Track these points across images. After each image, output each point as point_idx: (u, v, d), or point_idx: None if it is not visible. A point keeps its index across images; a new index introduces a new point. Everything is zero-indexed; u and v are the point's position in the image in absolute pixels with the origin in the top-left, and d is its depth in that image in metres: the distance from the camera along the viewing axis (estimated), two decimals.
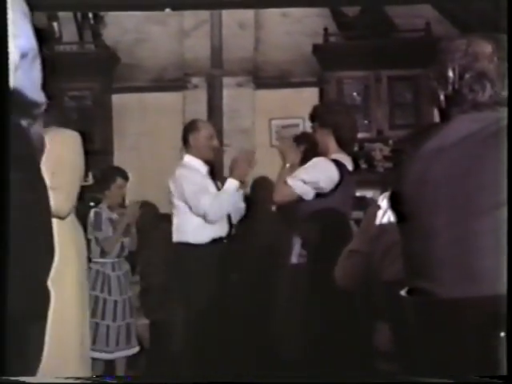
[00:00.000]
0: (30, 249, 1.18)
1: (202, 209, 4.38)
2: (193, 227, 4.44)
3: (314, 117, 3.93)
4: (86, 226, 4.67)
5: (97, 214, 4.87)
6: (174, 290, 4.64)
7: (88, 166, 3.28)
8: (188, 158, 4.63)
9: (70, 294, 2.73)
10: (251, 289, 4.79)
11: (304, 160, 4.10)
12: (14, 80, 1.15)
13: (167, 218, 5.86)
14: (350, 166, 3.88)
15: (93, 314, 4.54)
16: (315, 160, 3.84)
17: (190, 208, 4.44)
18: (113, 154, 6.63)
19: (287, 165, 3.92)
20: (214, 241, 4.46)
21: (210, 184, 4.59)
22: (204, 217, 4.40)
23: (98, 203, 5.07)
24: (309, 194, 3.74)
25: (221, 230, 4.51)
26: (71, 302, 2.67)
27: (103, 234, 4.83)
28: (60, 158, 2.93)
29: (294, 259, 3.74)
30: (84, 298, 3.08)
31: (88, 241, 4.59)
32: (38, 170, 1.25)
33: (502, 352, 1.59)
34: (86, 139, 3.29)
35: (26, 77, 1.19)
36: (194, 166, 4.60)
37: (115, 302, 4.76)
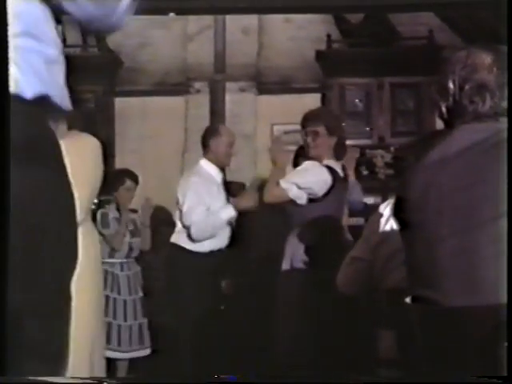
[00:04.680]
0: (56, 250, 1.19)
1: (189, 222, 4.32)
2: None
3: (316, 120, 3.86)
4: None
5: (103, 214, 4.86)
6: (170, 292, 4.62)
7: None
8: (204, 163, 4.53)
9: (83, 295, 2.72)
10: (250, 294, 4.78)
11: (296, 163, 4.12)
12: (42, 86, 1.17)
13: (168, 222, 5.87)
14: (341, 173, 3.90)
15: (105, 314, 4.56)
16: (308, 164, 3.83)
17: (181, 215, 4.39)
18: (114, 157, 6.65)
19: (278, 166, 3.91)
20: (212, 251, 4.43)
21: (221, 195, 4.49)
22: (187, 230, 4.35)
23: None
24: (302, 198, 3.74)
25: (221, 241, 4.47)
26: (84, 304, 2.66)
27: (111, 230, 4.83)
28: (78, 165, 2.94)
29: (294, 264, 3.73)
30: (98, 299, 3.06)
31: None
32: (66, 169, 1.27)
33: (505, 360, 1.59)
34: None
35: (52, 82, 1.20)
36: (209, 173, 4.51)
37: (124, 301, 4.76)
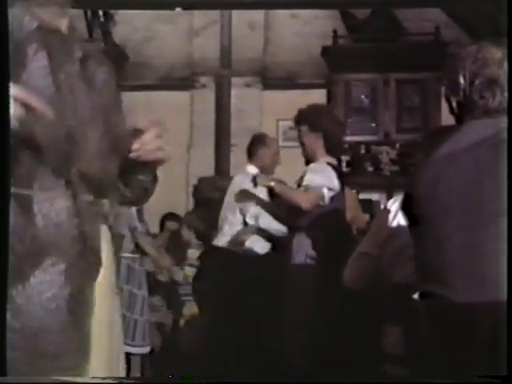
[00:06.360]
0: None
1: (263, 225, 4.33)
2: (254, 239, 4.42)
3: (300, 120, 3.88)
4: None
5: (139, 209, 4.76)
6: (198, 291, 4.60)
7: None
8: (252, 170, 4.55)
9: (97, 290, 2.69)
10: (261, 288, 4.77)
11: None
12: None
13: (172, 218, 5.87)
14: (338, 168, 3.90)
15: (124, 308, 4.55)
16: (317, 166, 3.79)
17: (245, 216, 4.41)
18: None
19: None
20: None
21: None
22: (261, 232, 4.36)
23: None
24: (327, 198, 3.73)
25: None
26: (99, 299, 2.62)
27: (146, 226, 4.81)
28: None
29: (301, 259, 3.72)
30: (113, 295, 3.02)
31: (120, 237, 4.55)
32: None
33: None
34: None
35: None
36: None
37: (143, 297, 4.76)
